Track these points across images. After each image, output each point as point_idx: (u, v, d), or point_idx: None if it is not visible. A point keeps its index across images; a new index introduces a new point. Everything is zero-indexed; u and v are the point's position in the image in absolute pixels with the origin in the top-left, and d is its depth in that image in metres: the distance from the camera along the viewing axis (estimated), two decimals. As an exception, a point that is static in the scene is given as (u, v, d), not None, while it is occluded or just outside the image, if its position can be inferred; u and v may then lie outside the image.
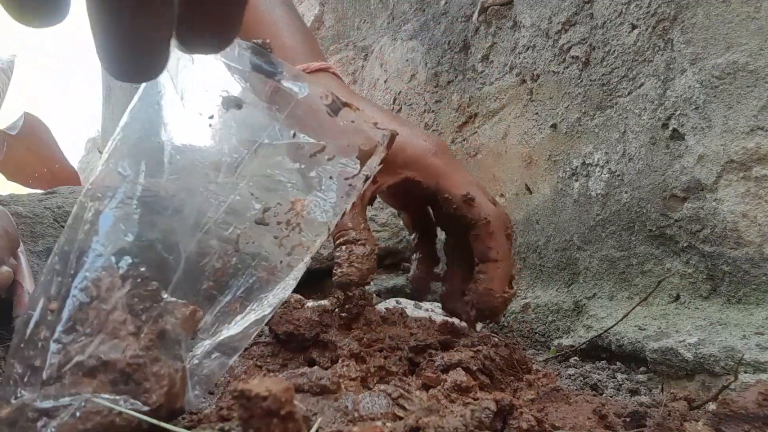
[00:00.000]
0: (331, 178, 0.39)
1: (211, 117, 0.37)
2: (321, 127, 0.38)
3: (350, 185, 0.39)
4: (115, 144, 0.34)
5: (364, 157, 0.40)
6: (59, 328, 0.30)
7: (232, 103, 0.37)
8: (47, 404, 0.28)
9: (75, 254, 0.31)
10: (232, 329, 0.36)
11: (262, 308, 0.37)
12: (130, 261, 0.32)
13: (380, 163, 0.41)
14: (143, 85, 0.35)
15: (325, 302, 0.77)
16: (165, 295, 0.32)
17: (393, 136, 0.41)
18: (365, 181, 0.40)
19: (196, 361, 0.34)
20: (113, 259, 0.32)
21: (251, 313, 0.37)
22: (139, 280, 0.32)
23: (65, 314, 0.30)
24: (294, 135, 0.38)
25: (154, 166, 0.35)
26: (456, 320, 0.69)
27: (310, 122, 0.38)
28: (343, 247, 0.48)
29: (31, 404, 0.28)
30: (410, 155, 0.50)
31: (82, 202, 0.33)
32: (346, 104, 0.39)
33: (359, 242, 0.48)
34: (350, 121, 0.39)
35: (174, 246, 0.34)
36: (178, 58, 0.35)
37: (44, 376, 0.29)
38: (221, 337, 0.35)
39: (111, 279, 0.31)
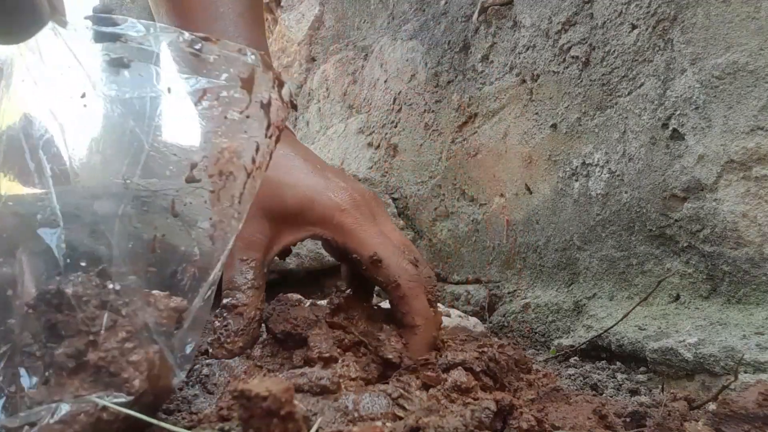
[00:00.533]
0: (225, 117, 0.37)
1: (83, 96, 0.35)
2: (194, 69, 0.36)
3: (248, 117, 0.37)
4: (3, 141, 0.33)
5: (247, 85, 0.37)
6: (28, 336, 0.30)
7: (119, 64, 0.35)
8: (23, 416, 0.27)
9: (23, 257, 0.31)
10: (196, 298, 0.35)
11: (215, 267, 0.36)
12: (73, 258, 0.31)
13: (277, 85, 0.38)
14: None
15: (323, 302, 0.77)
16: (111, 285, 0.31)
17: (263, 56, 0.38)
18: (267, 107, 0.38)
19: (175, 342, 0.34)
20: (59, 257, 0.31)
21: (207, 276, 0.36)
22: (86, 275, 0.31)
23: (37, 320, 0.30)
24: (169, 90, 0.36)
25: (58, 158, 0.34)
26: (467, 324, 0.70)
27: (183, 69, 0.36)
28: (221, 316, 0.45)
29: (8, 423, 0.27)
30: (318, 212, 0.47)
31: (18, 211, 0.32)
32: (205, 38, 0.37)
33: (237, 309, 0.44)
34: (216, 56, 0.37)
35: (100, 234, 0.33)
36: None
37: (24, 385, 0.29)
38: (190, 310, 0.35)
39: (74, 278, 0.31)
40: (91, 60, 0.35)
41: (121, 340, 0.30)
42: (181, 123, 0.37)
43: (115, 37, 0.35)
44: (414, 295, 0.46)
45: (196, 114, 0.37)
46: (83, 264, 0.32)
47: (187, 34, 0.36)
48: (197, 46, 0.36)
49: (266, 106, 0.38)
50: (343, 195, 0.48)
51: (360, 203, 0.48)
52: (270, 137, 0.38)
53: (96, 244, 0.32)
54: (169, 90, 0.36)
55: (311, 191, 0.47)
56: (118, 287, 0.31)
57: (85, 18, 0.34)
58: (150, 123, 0.36)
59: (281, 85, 0.38)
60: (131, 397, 0.29)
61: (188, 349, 0.35)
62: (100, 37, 0.35)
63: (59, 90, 0.35)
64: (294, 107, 0.41)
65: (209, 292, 0.36)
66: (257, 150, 0.38)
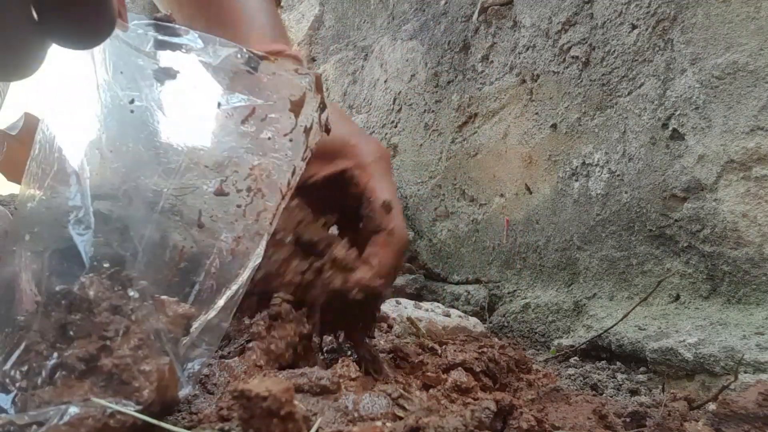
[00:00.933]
0: (269, 138, 0.37)
1: (132, 101, 0.35)
2: (247, 87, 0.37)
3: (291, 140, 0.38)
4: (50, 145, 0.34)
5: (296, 108, 0.38)
6: (39, 334, 0.30)
7: (166, 74, 0.35)
8: (33, 415, 0.27)
9: (48, 255, 0.31)
10: (210, 312, 0.35)
11: (235, 283, 0.36)
12: (98, 261, 0.32)
13: (320, 108, 0.39)
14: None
15: None
16: (131, 293, 0.32)
17: (318, 78, 0.39)
18: (308, 132, 0.38)
19: (182, 351, 0.34)
20: (86, 259, 0.31)
21: (226, 290, 0.36)
22: (112, 278, 0.32)
23: (49, 319, 0.30)
24: (219, 105, 0.36)
25: (96, 160, 0.34)
26: (467, 324, 0.69)
27: (236, 85, 0.37)
28: None
29: (16, 419, 0.27)
30: (356, 153, 0.52)
31: (33, 205, 0.32)
32: (263, 57, 0.37)
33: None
34: (272, 74, 0.37)
35: (129, 239, 0.33)
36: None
37: (35, 383, 0.29)
38: (202, 322, 0.35)
39: (89, 281, 0.31)
40: (142, 67, 0.35)
41: (133, 347, 0.30)
42: (218, 136, 0.37)
43: (175, 47, 0.35)
44: (394, 247, 0.50)
45: (232, 129, 0.37)
46: (106, 265, 0.32)
47: (245, 50, 0.36)
48: (253, 65, 0.37)
49: (308, 131, 0.38)
50: (375, 146, 0.54)
51: (387, 157, 0.55)
52: (304, 160, 0.39)
53: (123, 248, 0.33)
54: (219, 105, 0.36)
55: (353, 135, 0.53)
56: (137, 294, 0.32)
57: (147, 25, 0.34)
58: (191, 135, 0.36)
59: (323, 108, 0.39)
60: (139, 407, 0.29)
61: (197, 365, 0.35)
62: (160, 45, 0.35)
63: (108, 94, 0.35)
64: (327, 131, 0.43)
65: (225, 305, 0.36)
66: (293, 173, 0.39)
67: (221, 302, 0.36)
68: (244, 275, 0.37)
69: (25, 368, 0.29)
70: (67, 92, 0.35)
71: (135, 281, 0.32)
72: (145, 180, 0.35)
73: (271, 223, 0.38)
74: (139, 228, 0.34)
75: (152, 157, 0.36)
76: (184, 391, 0.34)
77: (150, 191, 0.35)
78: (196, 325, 0.35)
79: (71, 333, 0.30)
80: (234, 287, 0.36)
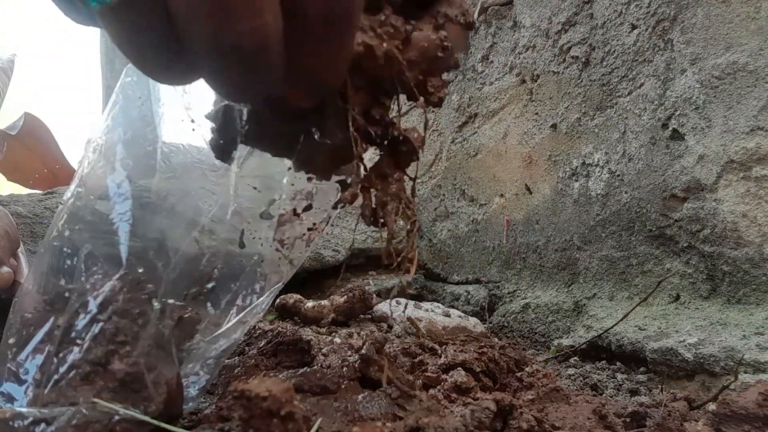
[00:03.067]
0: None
1: (193, 121, 0.36)
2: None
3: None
4: (104, 147, 0.34)
5: None
6: (59, 333, 0.30)
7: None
8: (44, 413, 0.27)
9: (78, 257, 0.31)
10: (223, 326, 0.36)
11: (253, 301, 0.37)
12: (128, 266, 0.32)
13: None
14: (121, 86, 0.35)
15: (325, 302, 0.77)
16: (156, 304, 0.32)
17: None
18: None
19: (191, 364, 0.34)
20: (120, 262, 0.32)
21: (243, 306, 0.36)
22: (134, 285, 0.32)
23: (66, 319, 0.30)
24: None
25: (145, 167, 0.34)
26: (467, 324, 0.69)
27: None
28: None
29: (26, 413, 0.27)
30: None
31: (80, 203, 0.33)
32: None
33: None
34: None
35: (164, 250, 0.33)
36: None
37: (44, 381, 0.29)
38: (216, 333, 0.35)
39: (112, 284, 0.31)
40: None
41: (142, 354, 0.30)
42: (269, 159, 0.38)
43: None
44: None
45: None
46: (141, 270, 0.32)
47: None
48: None
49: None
50: None
51: None
52: (335, 207, 0.40)
53: (157, 258, 0.33)
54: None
55: None
56: (158, 305, 0.32)
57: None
58: (248, 160, 0.37)
59: None
60: (146, 417, 0.29)
61: (204, 381, 0.35)
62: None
63: (171, 109, 0.36)
64: None
65: (247, 320, 0.36)
66: (328, 221, 0.39)
67: (234, 319, 0.36)
68: (264, 295, 0.37)
69: (39, 361, 0.29)
70: (127, 100, 0.35)
71: (159, 292, 0.32)
72: (189, 194, 0.36)
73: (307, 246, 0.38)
74: (175, 240, 0.34)
75: (201, 176, 0.36)
76: (189, 404, 0.34)
77: (192, 207, 0.35)
78: (207, 338, 0.35)
79: (83, 335, 0.30)
80: (251, 304, 0.37)
